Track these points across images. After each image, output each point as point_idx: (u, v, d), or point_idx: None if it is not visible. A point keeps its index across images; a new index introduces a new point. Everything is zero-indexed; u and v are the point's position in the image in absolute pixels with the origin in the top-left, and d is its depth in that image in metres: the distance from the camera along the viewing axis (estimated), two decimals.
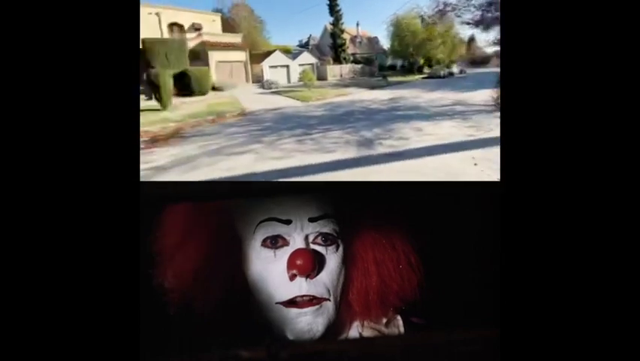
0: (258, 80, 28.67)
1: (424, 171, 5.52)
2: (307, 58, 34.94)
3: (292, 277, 1.21)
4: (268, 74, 29.81)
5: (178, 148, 8.13)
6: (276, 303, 1.21)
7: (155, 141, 8.89)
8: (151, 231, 1.25)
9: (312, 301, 1.21)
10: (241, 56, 27.90)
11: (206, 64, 23.67)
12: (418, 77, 35.10)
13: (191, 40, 24.32)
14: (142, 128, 9.70)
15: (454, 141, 7.82)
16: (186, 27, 25.49)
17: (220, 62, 25.75)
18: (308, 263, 1.19)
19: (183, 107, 14.41)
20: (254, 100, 18.29)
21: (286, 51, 34.83)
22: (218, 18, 28.58)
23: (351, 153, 7.09)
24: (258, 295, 1.23)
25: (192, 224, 1.28)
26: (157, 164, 6.75)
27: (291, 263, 1.20)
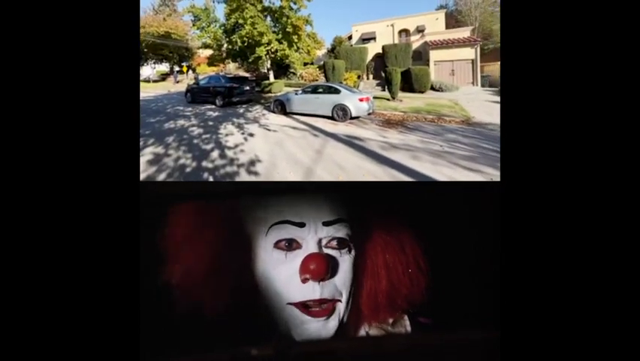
0: (492, 83, 23.18)
1: None
2: None
3: (304, 281, 1.21)
4: None
5: (403, 135, 9.04)
6: (288, 303, 1.21)
7: (388, 122, 11.13)
8: (159, 229, 1.25)
9: (324, 306, 1.21)
10: (467, 53, 23.51)
11: (427, 63, 23.68)
12: None
13: (415, 42, 25.25)
14: (378, 111, 12.53)
15: None
16: (411, 30, 26.56)
17: (437, 61, 24.06)
18: (321, 268, 1.19)
19: (405, 101, 15.70)
20: (483, 109, 14.03)
21: None
22: (441, 15, 26.56)
23: None
24: (267, 296, 1.23)
25: (202, 223, 1.28)
26: (389, 141, 8.21)
27: (304, 267, 1.20)
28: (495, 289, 1.22)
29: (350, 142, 8.18)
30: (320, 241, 1.25)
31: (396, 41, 25.65)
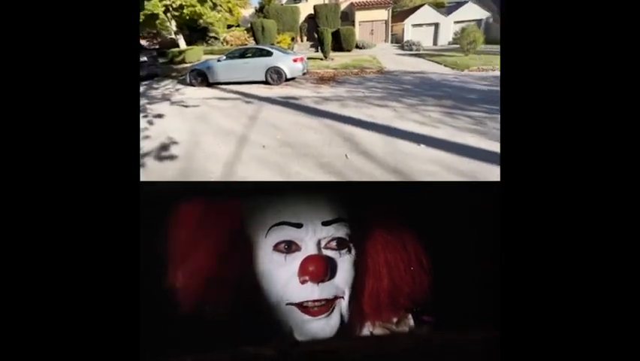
0: (398, 40, 27.06)
1: None
2: (471, 12, 27.26)
3: (303, 282, 1.19)
4: (409, 34, 27.03)
5: (334, 89, 10.20)
6: (287, 304, 1.20)
7: (321, 80, 11.98)
8: (159, 229, 1.23)
9: (324, 306, 1.20)
10: (382, 14, 26.52)
11: (353, 24, 25.18)
12: None
13: (343, 3, 26.24)
14: (312, 70, 13.93)
15: None
16: None
17: (362, 21, 25.90)
18: (320, 270, 1.18)
19: (336, 59, 17.62)
20: (392, 60, 17.99)
21: (438, 5, 28.99)
22: None
23: None
24: (267, 297, 1.22)
25: (203, 224, 1.25)
26: (323, 95, 9.23)
27: (303, 269, 1.19)
28: (495, 289, 1.24)
29: (286, 102, 8.47)
30: (319, 242, 1.23)
31: (327, 1, 26.44)
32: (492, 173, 4.22)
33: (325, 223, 1.23)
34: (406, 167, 4.38)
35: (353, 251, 1.27)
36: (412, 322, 1.33)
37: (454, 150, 5.01)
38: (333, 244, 1.24)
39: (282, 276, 1.21)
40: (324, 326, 1.20)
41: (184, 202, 1.26)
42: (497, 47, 22.20)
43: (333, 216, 1.24)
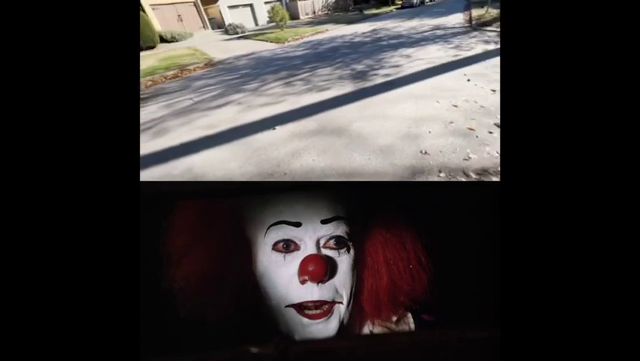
0: (219, 25, 26.20)
1: (426, 94, 5.80)
2: None
3: (303, 282, 1.19)
4: (229, 17, 27.28)
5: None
6: (286, 306, 1.20)
7: None
8: (158, 231, 1.23)
9: (325, 308, 1.20)
10: None
11: (142, 9, 19.86)
12: (392, 8, 35.08)
13: None
14: None
15: (443, 62, 8.05)
16: None
17: (154, 5, 20.88)
18: (320, 270, 1.17)
19: None
20: (220, 48, 17.18)
21: None
22: None
23: (347, 87, 6.92)
24: (267, 298, 1.22)
25: (202, 224, 1.25)
26: None
27: (302, 269, 1.18)
28: (495, 289, 1.24)
29: None
30: (318, 241, 1.23)
31: None
32: (331, 121, 4.99)
33: (324, 222, 1.23)
34: (266, 162, 4.15)
35: (352, 250, 1.27)
36: (411, 321, 1.34)
37: (298, 116, 5.50)
38: (332, 242, 1.24)
39: (282, 276, 1.21)
40: (322, 329, 1.20)
41: (184, 202, 1.27)
42: (296, 21, 26.35)
43: (332, 214, 1.23)
